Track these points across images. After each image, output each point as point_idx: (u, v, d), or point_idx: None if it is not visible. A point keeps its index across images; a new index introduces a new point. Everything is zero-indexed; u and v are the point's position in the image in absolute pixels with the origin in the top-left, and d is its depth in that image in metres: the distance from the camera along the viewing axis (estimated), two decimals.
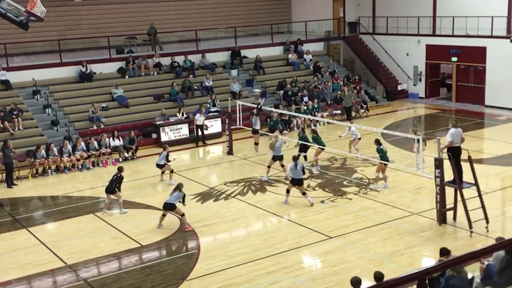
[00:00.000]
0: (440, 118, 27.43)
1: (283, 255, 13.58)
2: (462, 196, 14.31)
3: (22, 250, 14.65)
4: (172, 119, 24.75)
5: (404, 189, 17.77)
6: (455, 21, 29.46)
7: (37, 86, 25.20)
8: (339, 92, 28.83)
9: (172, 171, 19.39)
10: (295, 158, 16.73)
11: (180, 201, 15.42)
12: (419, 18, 31.06)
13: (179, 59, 28.55)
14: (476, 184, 14.41)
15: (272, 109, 25.06)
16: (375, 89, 31.77)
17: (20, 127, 22.97)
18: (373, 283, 8.96)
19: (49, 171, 21.11)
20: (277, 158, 19.03)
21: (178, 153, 23.46)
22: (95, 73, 26.78)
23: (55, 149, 21.29)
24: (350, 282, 9.26)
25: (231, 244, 14.42)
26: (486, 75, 28.81)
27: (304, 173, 16.70)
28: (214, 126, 25.30)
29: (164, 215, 15.48)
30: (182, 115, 25.07)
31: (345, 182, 18.67)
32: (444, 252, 9.95)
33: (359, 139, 20.81)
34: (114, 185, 16.61)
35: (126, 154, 22.54)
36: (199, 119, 24.19)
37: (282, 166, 19.13)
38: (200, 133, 24.31)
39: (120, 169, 17.01)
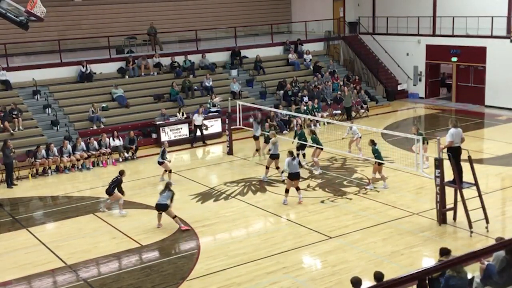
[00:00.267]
0: (440, 118, 27.43)
1: (283, 255, 13.58)
2: (462, 196, 14.31)
3: (22, 250, 14.65)
4: (172, 119, 24.75)
5: (404, 189, 17.78)
6: (455, 21, 29.46)
7: (37, 86, 25.20)
8: (339, 92, 28.83)
9: (170, 171, 19.36)
10: (292, 153, 16.74)
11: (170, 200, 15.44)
12: (419, 18, 31.07)
13: (179, 59, 28.55)
14: (476, 184, 14.41)
15: (273, 109, 25.08)
16: (375, 89, 31.77)
17: (20, 127, 22.97)
18: (373, 283, 8.97)
19: (49, 171, 21.11)
20: (275, 156, 19.00)
21: (178, 153, 23.50)
22: (95, 73, 26.79)
23: (55, 149, 21.28)
24: (350, 282, 9.25)
25: (231, 244, 14.42)
26: (486, 75, 28.81)
27: (301, 166, 16.91)
28: (214, 126, 25.31)
29: (160, 213, 15.53)
30: (182, 115, 25.07)
31: (345, 182, 18.67)
32: (444, 252, 9.95)
33: (360, 138, 20.83)
34: (112, 187, 16.64)
35: (126, 154, 22.54)
36: (198, 119, 24.21)
37: (277, 168, 19.05)
38: (199, 133, 24.32)
39: (121, 173, 17.01)
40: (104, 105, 25.21)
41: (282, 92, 28.26)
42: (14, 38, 27.54)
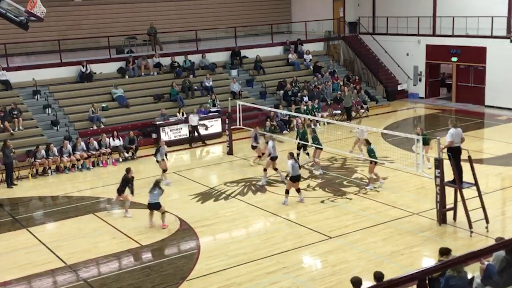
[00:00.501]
0: (440, 118, 27.42)
1: (283, 255, 13.58)
2: (462, 196, 14.31)
3: (22, 250, 14.65)
4: (172, 119, 24.76)
5: (404, 189, 17.78)
6: (455, 21, 29.46)
7: (37, 86, 25.20)
8: (339, 92, 28.83)
9: (164, 170, 19.30)
10: (292, 154, 16.72)
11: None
12: (419, 18, 31.06)
13: (179, 59, 28.55)
14: (476, 184, 14.41)
15: (273, 109, 25.08)
16: (375, 89, 31.77)
17: (20, 127, 22.97)
18: (373, 283, 8.96)
19: (49, 171, 21.11)
20: (274, 158, 18.90)
21: (178, 153, 23.51)
22: (95, 73, 26.78)
23: (55, 149, 21.28)
24: (350, 282, 9.25)
25: (231, 244, 14.42)
26: (486, 75, 28.80)
27: (300, 168, 16.97)
28: (214, 126, 25.32)
29: (151, 213, 15.56)
30: (182, 115, 25.07)
31: (345, 182, 18.66)
32: (444, 252, 9.95)
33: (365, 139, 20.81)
34: (120, 186, 16.60)
35: (126, 154, 22.55)
36: (193, 119, 24.22)
37: (276, 169, 18.97)
38: (196, 134, 24.30)
39: (127, 170, 16.85)
40: (104, 105, 25.21)
41: (282, 92, 28.26)
42: (14, 38, 27.54)
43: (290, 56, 31.27)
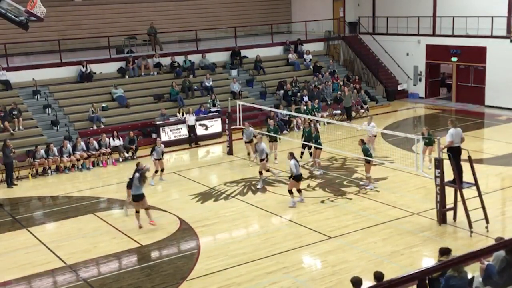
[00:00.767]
0: (440, 118, 27.42)
1: (283, 255, 13.58)
2: (462, 196, 14.31)
3: (22, 250, 14.64)
4: (172, 119, 24.76)
5: (404, 189, 17.77)
6: (455, 21, 29.46)
7: (37, 86, 25.20)
8: (339, 92, 28.83)
9: (156, 171, 19.26)
10: (293, 154, 16.70)
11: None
12: (419, 18, 31.07)
13: (179, 59, 28.55)
14: (476, 184, 14.41)
15: (273, 109, 25.04)
16: (375, 89, 31.77)
17: (20, 127, 22.97)
18: (373, 283, 8.96)
19: (49, 171, 21.10)
20: (261, 160, 18.77)
21: (178, 153, 23.52)
22: (95, 73, 26.78)
23: (55, 149, 21.28)
24: (350, 282, 9.25)
25: (231, 244, 14.42)
26: (486, 75, 28.80)
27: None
28: (214, 126, 25.32)
29: (137, 212, 15.46)
30: (182, 115, 25.07)
31: (345, 182, 18.66)
32: (444, 252, 9.94)
33: (375, 136, 20.82)
34: (131, 181, 16.17)
35: (126, 154, 22.55)
36: (190, 119, 24.23)
37: (268, 170, 18.85)
38: (193, 134, 24.28)
39: (138, 165, 16.08)
40: (104, 105, 25.20)
41: (282, 92, 28.26)
42: (14, 38, 27.55)
43: (290, 56, 31.27)
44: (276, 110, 25.16)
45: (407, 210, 15.94)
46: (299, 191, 16.78)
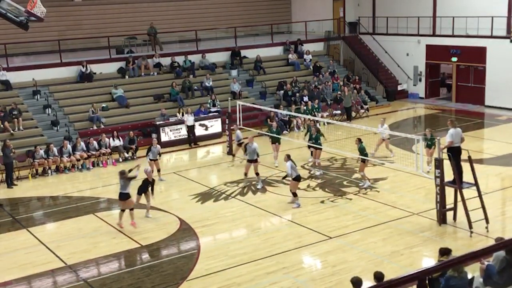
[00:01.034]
0: (440, 118, 27.41)
1: (283, 255, 13.58)
2: (462, 196, 14.31)
3: (22, 250, 14.65)
4: (172, 119, 24.76)
5: (404, 189, 17.78)
6: (455, 21, 29.46)
7: (37, 86, 25.20)
8: (339, 92, 28.83)
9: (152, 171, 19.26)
10: (289, 156, 16.66)
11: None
12: (419, 18, 31.07)
13: (179, 59, 28.56)
14: (476, 184, 14.41)
15: (273, 109, 25.05)
16: (375, 89, 31.77)
17: (20, 127, 22.97)
18: (373, 283, 8.97)
19: (49, 171, 21.10)
20: (252, 161, 18.66)
21: (178, 153, 23.52)
22: (95, 73, 26.79)
23: (55, 149, 21.28)
24: (350, 282, 9.25)
25: (231, 244, 14.42)
26: (486, 75, 28.80)
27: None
28: (214, 126, 25.31)
29: (122, 211, 15.49)
30: (182, 115, 25.07)
31: (345, 182, 18.66)
32: (444, 252, 9.95)
33: (388, 139, 20.73)
34: (141, 188, 16.40)
35: (126, 154, 22.55)
36: (188, 119, 24.22)
37: (257, 174, 18.66)
38: (191, 134, 24.27)
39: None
40: (104, 105, 25.21)
41: (282, 92, 28.26)
42: (14, 38, 27.54)
43: (290, 56, 31.27)
44: (276, 110, 25.17)
45: (407, 210, 15.94)
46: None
